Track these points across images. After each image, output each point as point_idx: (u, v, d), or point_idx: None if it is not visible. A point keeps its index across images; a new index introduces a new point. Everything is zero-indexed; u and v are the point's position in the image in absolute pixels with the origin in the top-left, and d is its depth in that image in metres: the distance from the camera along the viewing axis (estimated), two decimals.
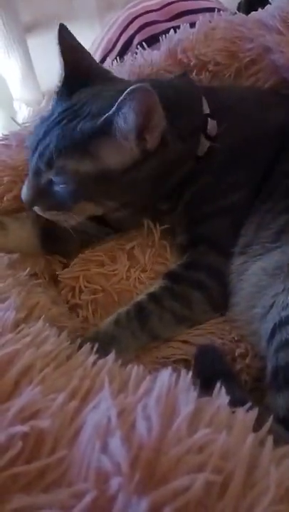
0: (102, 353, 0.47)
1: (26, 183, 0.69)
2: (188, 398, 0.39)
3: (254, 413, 0.40)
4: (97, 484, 0.33)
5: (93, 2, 2.12)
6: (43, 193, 0.68)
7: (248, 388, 0.63)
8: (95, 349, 0.49)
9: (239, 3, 1.67)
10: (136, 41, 1.15)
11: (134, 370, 0.44)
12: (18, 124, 0.88)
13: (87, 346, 0.50)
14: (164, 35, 0.92)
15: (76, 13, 2.05)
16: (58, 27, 0.72)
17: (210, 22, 0.89)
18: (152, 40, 1.06)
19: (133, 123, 0.63)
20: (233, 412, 0.40)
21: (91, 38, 1.29)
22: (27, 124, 0.86)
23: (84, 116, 0.66)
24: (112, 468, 0.34)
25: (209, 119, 0.73)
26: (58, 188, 0.66)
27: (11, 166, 0.78)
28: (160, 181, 0.71)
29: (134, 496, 0.32)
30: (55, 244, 0.78)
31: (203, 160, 0.73)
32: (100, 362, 0.46)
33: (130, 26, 1.18)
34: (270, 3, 0.88)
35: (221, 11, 0.96)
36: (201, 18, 0.90)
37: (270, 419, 0.41)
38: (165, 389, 0.39)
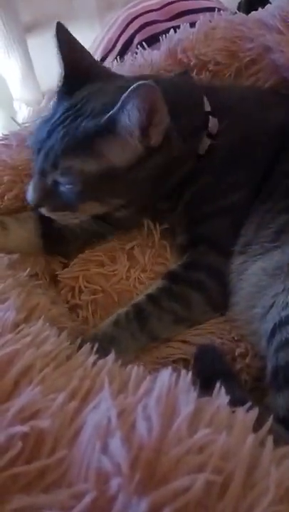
0: (102, 353, 0.47)
1: (32, 184, 0.68)
2: (188, 398, 0.39)
3: (254, 413, 0.40)
4: (97, 485, 0.33)
5: (93, 2, 2.12)
6: (49, 194, 0.67)
7: (248, 388, 0.63)
8: (94, 349, 0.49)
9: (239, 3, 1.67)
10: (136, 41, 1.15)
11: (134, 370, 0.44)
12: (18, 124, 0.89)
13: (87, 346, 0.50)
14: (164, 35, 0.92)
15: (76, 13, 2.05)
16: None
17: (210, 22, 0.89)
18: (152, 40, 1.06)
19: (137, 120, 0.63)
20: (233, 412, 0.40)
21: (91, 38, 1.29)
22: (27, 124, 0.86)
23: (87, 114, 0.66)
24: (112, 468, 0.34)
25: (210, 116, 0.73)
26: (64, 188, 0.66)
27: (11, 165, 0.78)
28: (161, 180, 0.71)
29: (134, 496, 0.32)
30: (56, 244, 0.78)
31: (204, 159, 0.73)
32: (100, 362, 0.46)
33: (130, 26, 1.18)
34: (270, 3, 0.88)
35: (221, 11, 0.96)
36: (201, 18, 0.90)
37: (270, 419, 0.41)
38: (165, 389, 0.39)
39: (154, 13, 1.19)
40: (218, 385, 0.42)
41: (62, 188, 0.66)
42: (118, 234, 0.77)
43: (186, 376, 0.42)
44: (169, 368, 0.42)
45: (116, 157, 0.66)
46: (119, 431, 0.35)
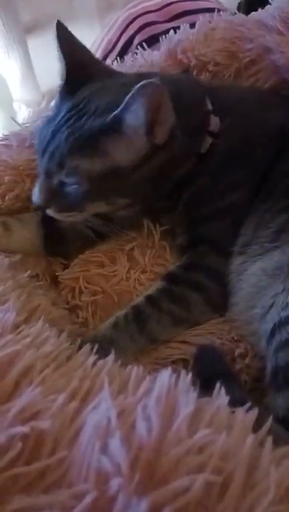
0: (102, 354, 0.47)
1: (37, 185, 0.68)
2: (188, 399, 0.39)
3: (254, 413, 0.40)
4: (97, 485, 0.33)
5: (93, 2, 2.12)
6: (55, 195, 0.67)
7: (248, 388, 0.63)
8: (94, 350, 0.49)
9: (239, 4, 1.67)
10: (136, 42, 1.15)
11: (134, 370, 0.44)
12: (19, 125, 0.88)
13: (87, 347, 0.50)
14: (164, 36, 0.92)
15: (76, 13, 2.06)
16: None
17: (210, 22, 0.89)
18: (152, 41, 1.06)
19: (143, 119, 0.63)
20: (233, 413, 0.40)
21: (91, 38, 1.29)
22: (27, 125, 0.86)
23: (91, 113, 0.65)
24: (112, 468, 0.34)
25: (212, 115, 0.73)
26: (70, 188, 0.66)
27: (11, 166, 0.78)
28: (164, 178, 0.71)
29: (134, 496, 0.32)
30: (57, 245, 0.78)
31: (204, 158, 0.72)
32: (100, 363, 0.46)
33: (130, 27, 1.18)
34: (270, 4, 0.88)
35: (221, 12, 0.96)
36: (200, 19, 0.90)
37: (270, 419, 0.41)
38: (165, 389, 0.39)
39: (153, 13, 1.19)
40: (217, 385, 0.42)
41: (69, 189, 0.66)
42: (118, 234, 0.77)
43: (186, 376, 0.42)
44: (169, 368, 0.42)
45: (121, 156, 0.65)
46: (119, 431, 0.36)
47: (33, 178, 0.77)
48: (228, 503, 0.33)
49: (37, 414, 0.38)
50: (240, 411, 0.40)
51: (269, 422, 0.40)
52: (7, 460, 0.35)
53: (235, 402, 0.41)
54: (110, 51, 1.19)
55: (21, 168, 0.78)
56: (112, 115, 0.63)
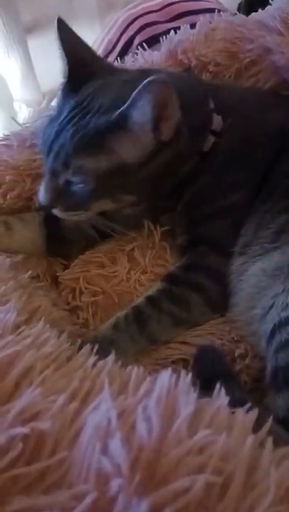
0: (102, 355, 0.47)
1: (43, 185, 0.67)
2: (188, 399, 0.39)
3: (254, 414, 0.40)
4: (97, 486, 0.33)
5: (93, 2, 2.12)
6: (61, 194, 0.67)
7: (248, 389, 0.63)
8: (95, 351, 0.49)
9: (239, 4, 1.67)
10: (136, 42, 1.15)
11: (134, 371, 0.44)
12: (19, 124, 0.89)
13: (87, 348, 0.50)
14: (164, 36, 0.92)
15: (76, 13, 2.06)
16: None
17: (210, 23, 0.90)
18: (153, 41, 1.06)
19: (150, 115, 0.62)
20: (233, 413, 0.40)
21: (91, 38, 1.29)
22: (28, 125, 0.86)
23: (95, 111, 0.65)
24: (113, 469, 0.34)
25: (214, 114, 0.73)
26: (76, 187, 0.65)
27: (12, 165, 0.78)
28: (167, 176, 0.70)
29: (135, 497, 0.32)
30: (58, 245, 0.78)
31: (207, 157, 0.72)
32: (100, 363, 0.46)
33: (130, 27, 1.18)
34: (270, 4, 0.88)
35: (221, 12, 0.96)
36: (201, 19, 0.90)
37: (270, 419, 0.41)
38: (165, 390, 0.39)
39: (154, 14, 1.19)
40: (217, 385, 0.42)
41: (75, 188, 0.66)
42: (119, 235, 0.77)
43: (186, 377, 0.42)
44: (169, 369, 0.42)
45: (127, 153, 0.65)
46: (119, 432, 0.36)
47: (33, 178, 0.77)
48: (229, 503, 0.34)
49: (37, 414, 0.38)
50: (240, 411, 0.40)
51: (269, 422, 0.40)
52: (7, 461, 0.35)
53: (235, 403, 0.41)
54: (110, 51, 1.19)
55: (22, 168, 0.78)
56: (117, 112, 0.63)
